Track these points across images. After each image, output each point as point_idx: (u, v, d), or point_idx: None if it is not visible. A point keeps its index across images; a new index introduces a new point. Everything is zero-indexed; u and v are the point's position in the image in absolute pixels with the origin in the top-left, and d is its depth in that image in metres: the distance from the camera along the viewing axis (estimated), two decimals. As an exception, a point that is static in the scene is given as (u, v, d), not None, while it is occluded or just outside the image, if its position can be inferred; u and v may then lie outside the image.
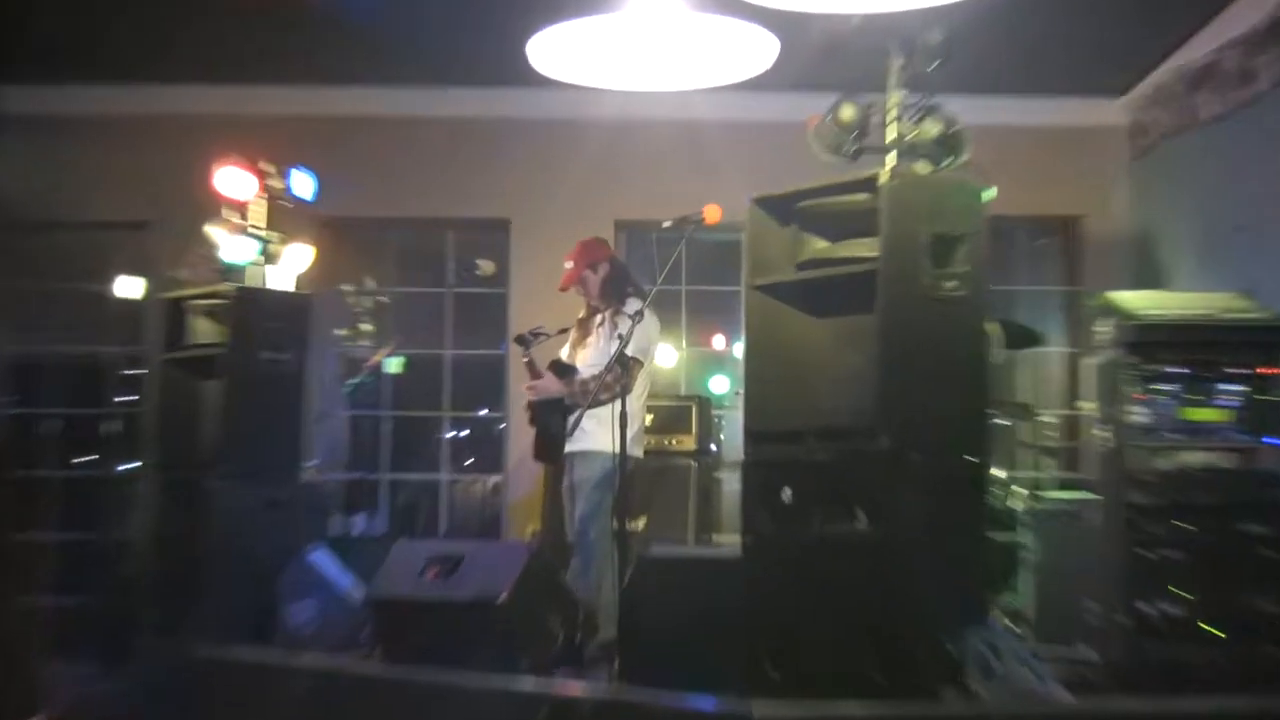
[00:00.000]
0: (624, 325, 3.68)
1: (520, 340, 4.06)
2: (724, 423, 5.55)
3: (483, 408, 6.44)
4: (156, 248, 5.29)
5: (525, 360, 4.04)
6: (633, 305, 3.81)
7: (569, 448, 3.91)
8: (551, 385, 3.94)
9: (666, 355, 6.14)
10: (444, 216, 6.04)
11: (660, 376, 5.63)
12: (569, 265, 4.07)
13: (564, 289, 4.11)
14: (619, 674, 3.27)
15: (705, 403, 5.30)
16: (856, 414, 2.82)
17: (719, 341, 6.59)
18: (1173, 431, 3.41)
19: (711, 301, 6.48)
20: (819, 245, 3.09)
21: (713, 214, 3.33)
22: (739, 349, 6.29)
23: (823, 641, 2.75)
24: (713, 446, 5.29)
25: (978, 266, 2.84)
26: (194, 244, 4.50)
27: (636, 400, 3.85)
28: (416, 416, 6.26)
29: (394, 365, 5.70)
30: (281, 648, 3.71)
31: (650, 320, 3.88)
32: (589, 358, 4.01)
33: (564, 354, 4.18)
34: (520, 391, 4.17)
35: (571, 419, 3.75)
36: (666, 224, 3.40)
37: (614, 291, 4.00)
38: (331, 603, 4.05)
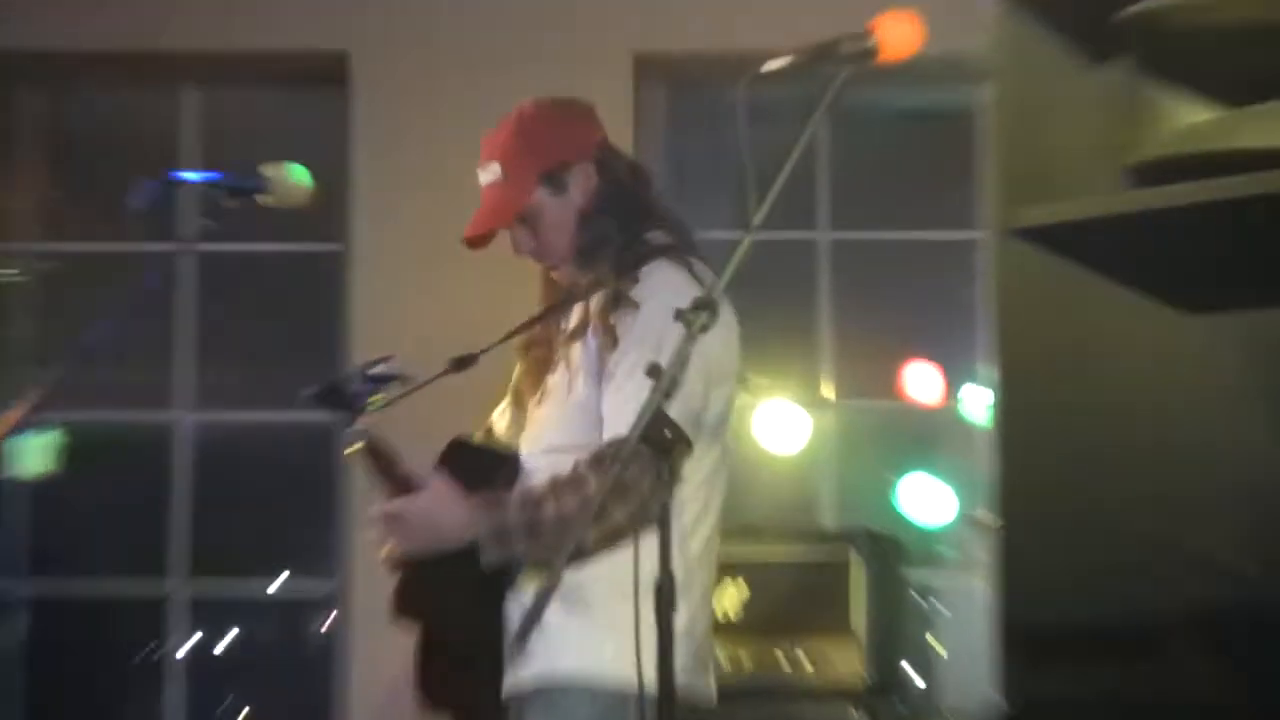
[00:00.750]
0: (642, 330, 3.86)
1: (330, 398, 4.15)
2: (942, 605, 5.71)
3: (278, 570, 6.56)
4: None
5: (354, 449, 4.13)
6: (666, 282, 3.96)
7: (511, 680, 4.07)
8: (447, 512, 4.00)
9: (774, 419, 6.34)
10: (178, 49, 6.29)
11: (758, 476, 5.89)
12: (490, 176, 4.20)
13: (476, 243, 4.25)
14: None
15: (887, 552, 5.44)
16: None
17: (922, 385, 6.82)
18: None
19: (892, 269, 6.69)
20: (1189, 120, 3.12)
21: (900, 35, 3.34)
22: (976, 401, 6.54)
23: None
24: (911, 673, 5.42)
25: None
26: None
27: (693, 542, 4.01)
28: (95, 600, 6.38)
29: (37, 454, 5.86)
30: None
31: (726, 327, 3.98)
32: (549, 427, 4.13)
33: (496, 419, 4.37)
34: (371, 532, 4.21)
35: (515, 603, 3.95)
36: (774, 64, 3.39)
37: (611, 244, 4.16)
38: None
